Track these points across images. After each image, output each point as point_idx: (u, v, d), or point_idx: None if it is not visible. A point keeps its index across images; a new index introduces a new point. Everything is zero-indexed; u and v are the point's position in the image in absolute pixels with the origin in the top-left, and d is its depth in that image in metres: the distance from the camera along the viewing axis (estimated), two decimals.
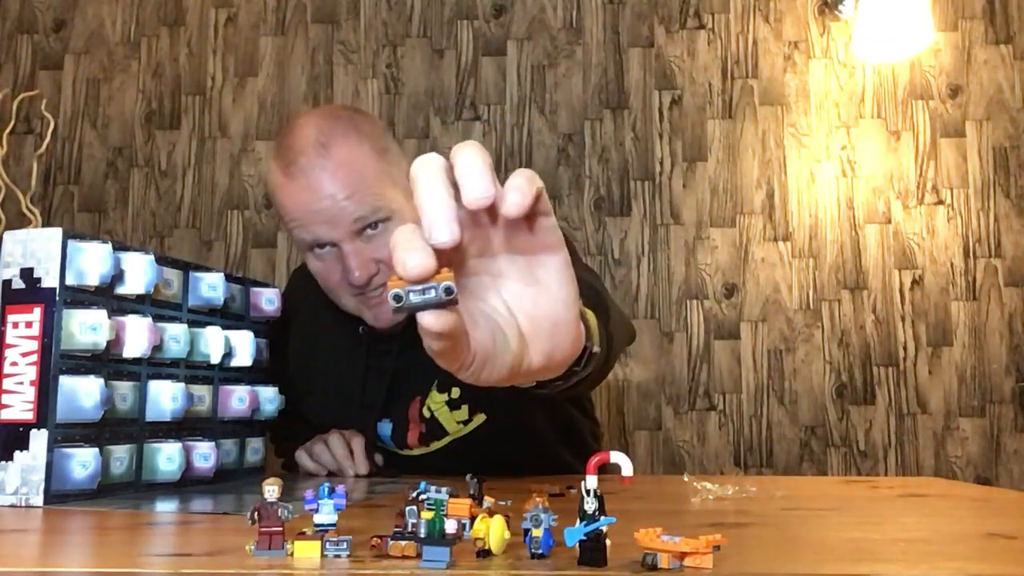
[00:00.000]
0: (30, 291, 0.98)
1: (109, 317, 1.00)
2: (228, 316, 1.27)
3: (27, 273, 0.99)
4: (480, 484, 0.75)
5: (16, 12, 2.07)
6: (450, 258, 0.50)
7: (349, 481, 1.12)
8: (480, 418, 1.19)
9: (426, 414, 1.21)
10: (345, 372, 1.28)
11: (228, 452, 1.24)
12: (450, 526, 0.59)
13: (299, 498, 0.64)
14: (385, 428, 1.24)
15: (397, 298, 0.47)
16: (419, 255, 0.46)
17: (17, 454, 0.95)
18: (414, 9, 2.03)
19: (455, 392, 1.19)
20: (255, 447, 1.31)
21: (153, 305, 1.12)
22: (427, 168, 0.49)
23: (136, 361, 1.07)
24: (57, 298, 0.97)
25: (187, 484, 1.13)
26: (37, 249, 0.99)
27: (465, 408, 1.19)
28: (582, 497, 0.57)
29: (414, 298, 0.47)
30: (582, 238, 1.90)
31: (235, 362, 1.25)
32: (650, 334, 1.85)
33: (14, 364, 0.97)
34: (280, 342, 1.33)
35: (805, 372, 1.89)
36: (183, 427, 1.16)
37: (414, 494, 0.63)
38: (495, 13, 2.02)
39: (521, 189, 0.48)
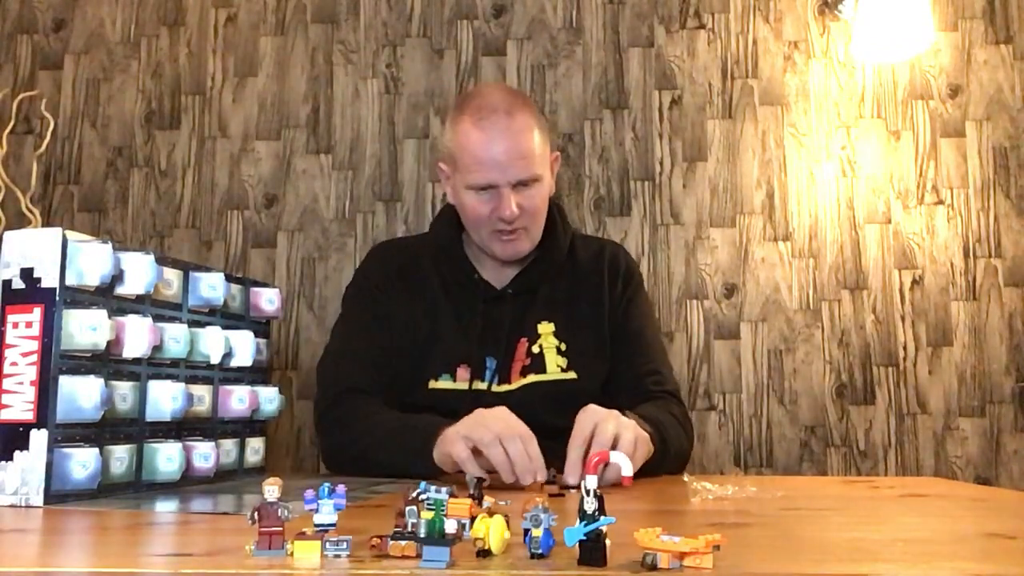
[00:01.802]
0: (30, 291, 0.98)
1: (109, 317, 1.00)
2: (228, 316, 1.27)
3: (27, 273, 0.99)
4: (480, 484, 0.75)
5: (16, 12, 2.07)
6: None
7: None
8: (572, 375, 1.44)
9: (535, 350, 1.45)
10: (457, 315, 1.47)
11: (228, 452, 1.24)
12: (450, 526, 0.59)
13: (299, 498, 0.64)
14: (491, 363, 1.44)
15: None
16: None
17: (17, 454, 0.95)
18: (414, 9, 2.03)
19: (563, 346, 1.46)
20: (255, 447, 1.32)
21: (153, 305, 1.12)
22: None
23: (136, 361, 1.07)
24: (57, 298, 0.97)
25: (187, 484, 1.13)
26: (37, 249, 0.99)
27: (565, 361, 1.45)
28: (582, 497, 0.58)
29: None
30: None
31: (235, 362, 1.26)
32: None
33: (14, 364, 0.97)
34: (380, 303, 1.50)
35: (805, 372, 1.89)
36: (183, 427, 1.16)
37: (414, 494, 0.63)
38: (495, 13, 2.02)
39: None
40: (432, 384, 1.43)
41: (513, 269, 1.50)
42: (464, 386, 1.42)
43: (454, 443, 1.14)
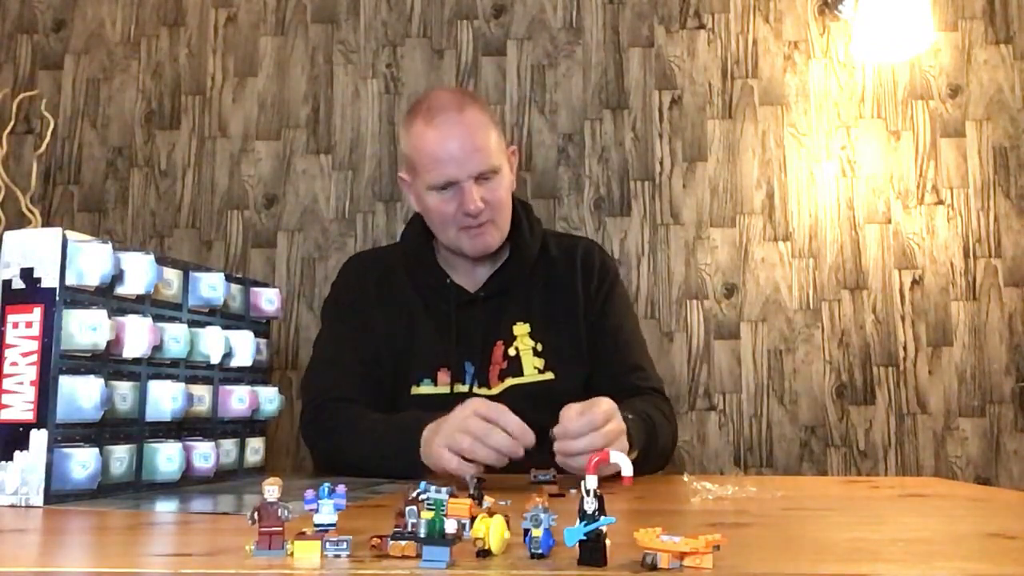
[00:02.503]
0: (30, 291, 0.98)
1: (109, 317, 1.00)
2: (228, 316, 1.27)
3: (27, 273, 0.99)
4: (480, 484, 0.75)
5: (16, 12, 2.07)
6: None
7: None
8: (549, 375, 1.44)
9: (511, 353, 1.45)
10: (434, 321, 1.46)
11: (228, 452, 1.24)
12: (450, 526, 0.59)
13: (299, 498, 0.64)
14: (470, 368, 1.44)
15: None
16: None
17: (17, 454, 0.95)
18: (414, 9, 2.03)
19: (539, 346, 1.46)
20: (255, 447, 1.32)
21: (153, 305, 1.12)
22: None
23: (136, 361, 1.07)
24: (57, 298, 0.97)
25: (187, 484, 1.13)
26: (37, 249, 0.99)
27: (542, 361, 1.45)
28: (582, 497, 0.57)
29: None
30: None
31: (235, 362, 1.26)
32: (650, 334, 1.85)
33: (14, 364, 0.97)
34: (359, 313, 1.50)
35: (805, 372, 1.89)
36: (183, 427, 1.16)
37: (414, 494, 0.63)
38: (495, 13, 2.02)
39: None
40: (415, 390, 1.43)
41: (485, 272, 1.49)
42: (446, 390, 1.42)
43: (440, 456, 1.13)
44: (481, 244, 1.43)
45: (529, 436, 1.10)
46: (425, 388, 1.43)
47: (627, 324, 1.53)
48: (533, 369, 1.44)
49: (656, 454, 1.32)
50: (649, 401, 1.39)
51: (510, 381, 1.43)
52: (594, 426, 1.11)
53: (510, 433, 1.10)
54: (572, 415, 1.11)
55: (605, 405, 1.14)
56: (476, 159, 1.37)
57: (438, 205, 1.41)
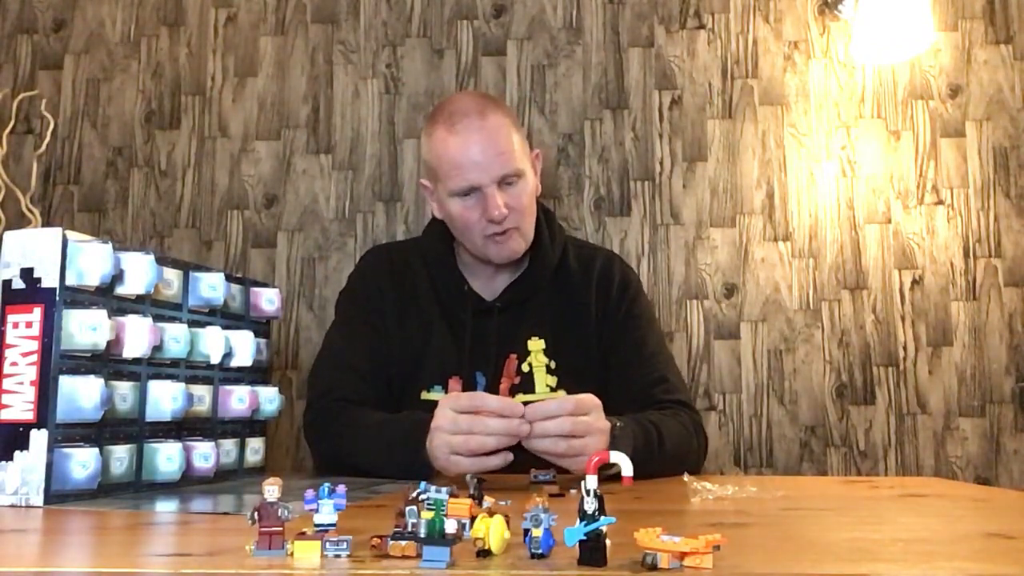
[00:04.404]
0: (30, 291, 0.98)
1: (109, 317, 1.00)
2: (228, 316, 1.27)
3: (27, 273, 0.99)
4: (480, 484, 0.75)
5: (16, 12, 2.07)
6: None
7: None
8: (561, 393, 1.40)
9: (524, 369, 1.43)
10: (449, 327, 1.46)
11: (228, 452, 1.24)
12: (450, 526, 0.59)
13: (299, 498, 0.64)
14: (481, 379, 1.43)
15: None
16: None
17: (17, 454, 0.95)
18: (414, 9, 2.03)
19: (553, 364, 1.44)
20: (255, 447, 1.32)
21: (153, 305, 1.12)
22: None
23: (136, 361, 1.07)
24: (57, 298, 0.97)
25: (187, 484, 1.13)
26: (37, 249, 0.99)
27: (555, 379, 1.43)
28: (582, 497, 0.58)
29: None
30: (582, 238, 1.89)
31: (235, 362, 1.26)
32: None
33: (14, 364, 0.97)
34: (374, 310, 1.49)
35: (805, 372, 1.89)
36: (183, 427, 1.16)
37: (414, 494, 0.63)
38: (495, 13, 2.02)
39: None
40: (424, 395, 1.42)
41: (504, 280, 1.48)
42: None
43: (448, 467, 1.13)
44: (507, 251, 1.43)
45: (516, 408, 1.10)
46: (435, 394, 1.42)
47: (650, 337, 1.51)
48: (545, 387, 1.43)
49: (662, 461, 1.28)
50: (669, 412, 1.37)
51: (520, 397, 1.40)
52: (564, 411, 1.11)
53: (495, 412, 1.10)
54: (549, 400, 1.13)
55: (584, 397, 1.14)
56: (499, 163, 1.36)
57: (461, 212, 1.40)
